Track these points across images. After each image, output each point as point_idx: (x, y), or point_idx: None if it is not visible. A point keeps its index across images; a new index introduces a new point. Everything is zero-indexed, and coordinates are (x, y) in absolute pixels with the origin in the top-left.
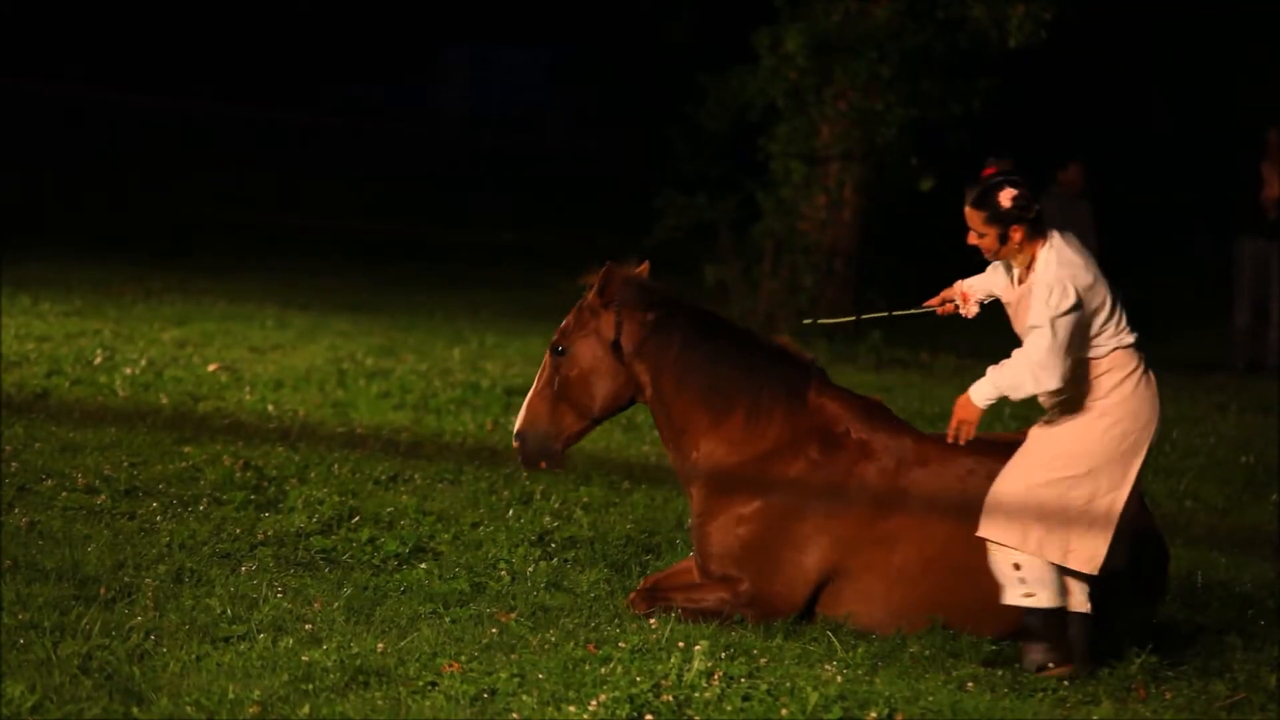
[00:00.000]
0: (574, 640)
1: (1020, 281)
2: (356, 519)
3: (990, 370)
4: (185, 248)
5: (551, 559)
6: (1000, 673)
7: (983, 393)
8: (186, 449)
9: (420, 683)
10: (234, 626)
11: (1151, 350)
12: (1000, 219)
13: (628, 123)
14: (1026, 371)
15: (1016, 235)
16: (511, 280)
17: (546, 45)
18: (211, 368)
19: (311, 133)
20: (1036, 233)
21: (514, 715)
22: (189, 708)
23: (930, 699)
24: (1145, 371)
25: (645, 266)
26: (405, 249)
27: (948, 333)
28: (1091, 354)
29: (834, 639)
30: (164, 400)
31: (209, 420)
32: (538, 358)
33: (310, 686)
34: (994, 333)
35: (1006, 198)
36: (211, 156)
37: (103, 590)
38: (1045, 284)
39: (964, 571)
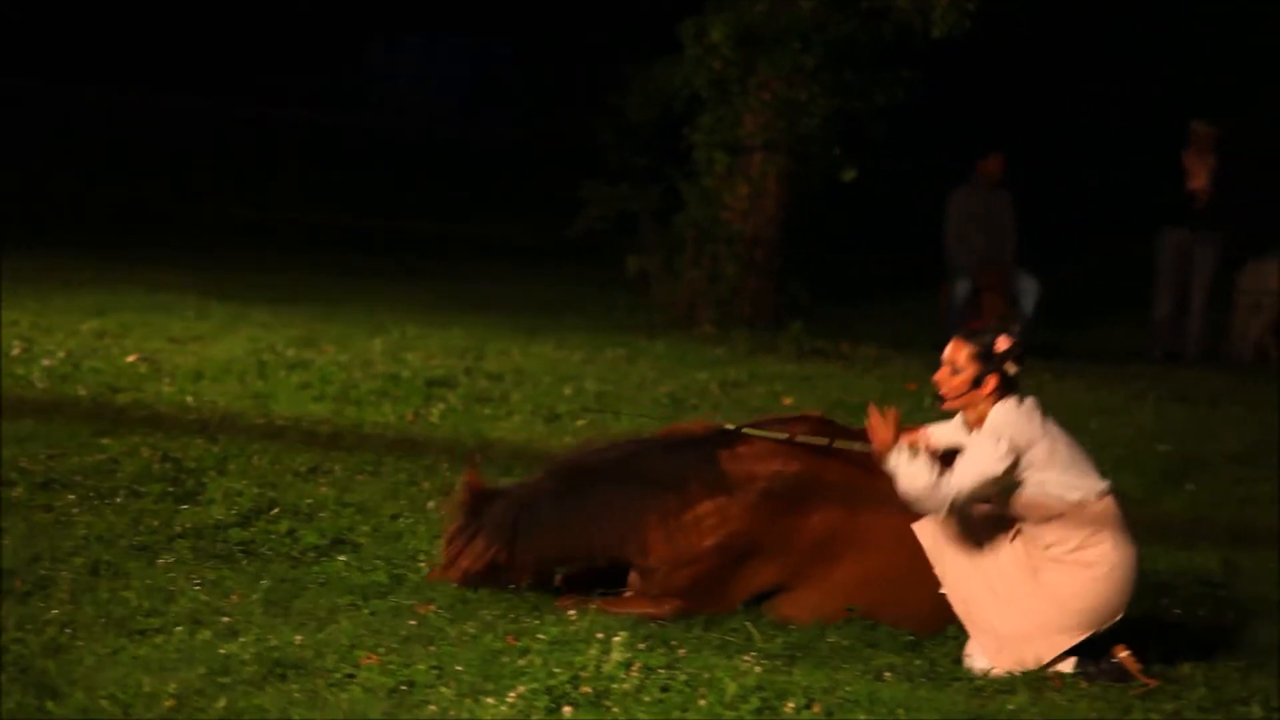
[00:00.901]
0: (493, 632)
1: (970, 432)
2: (275, 511)
3: (913, 464)
4: (106, 238)
5: None
6: (917, 662)
7: (892, 462)
8: (104, 441)
9: (338, 675)
10: (150, 619)
11: (1071, 339)
12: (988, 359)
13: (553, 113)
14: (930, 495)
15: (990, 383)
16: (434, 271)
17: (472, 36)
18: (130, 359)
19: (232, 122)
20: (1007, 392)
21: (431, 707)
22: (104, 701)
23: (848, 689)
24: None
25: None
26: (327, 239)
27: (869, 323)
28: (1060, 501)
29: (753, 630)
30: (82, 392)
31: (127, 412)
32: (458, 348)
33: (227, 679)
34: (917, 326)
35: (1004, 341)
36: (130, 145)
37: (18, 583)
38: (991, 428)
39: (899, 585)
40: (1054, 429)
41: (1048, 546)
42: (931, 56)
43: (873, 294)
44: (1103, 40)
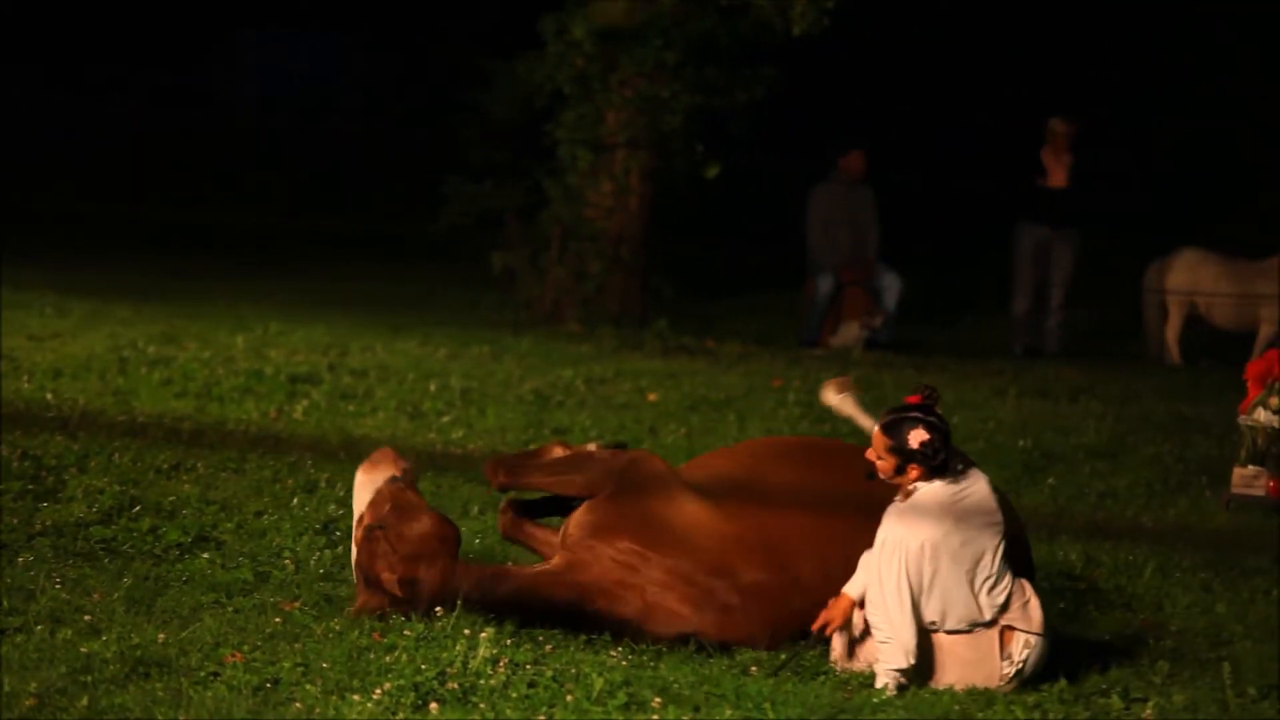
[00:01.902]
0: (358, 629)
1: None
2: (138, 508)
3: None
4: None
5: (336, 547)
6: (783, 657)
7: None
8: None
9: (202, 673)
10: (10, 619)
11: (933, 334)
12: (902, 454)
13: (415, 109)
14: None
15: (913, 473)
16: (297, 267)
17: (334, 31)
18: None
19: (96, 116)
20: (934, 475)
21: (297, 705)
22: None
23: (714, 684)
24: None
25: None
26: (189, 236)
27: (734, 320)
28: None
29: None
30: None
31: None
32: (322, 344)
33: (89, 678)
34: (781, 322)
35: (915, 439)
36: None
37: None
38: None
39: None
40: (957, 543)
41: None
42: (792, 53)
43: (737, 290)
44: (962, 37)
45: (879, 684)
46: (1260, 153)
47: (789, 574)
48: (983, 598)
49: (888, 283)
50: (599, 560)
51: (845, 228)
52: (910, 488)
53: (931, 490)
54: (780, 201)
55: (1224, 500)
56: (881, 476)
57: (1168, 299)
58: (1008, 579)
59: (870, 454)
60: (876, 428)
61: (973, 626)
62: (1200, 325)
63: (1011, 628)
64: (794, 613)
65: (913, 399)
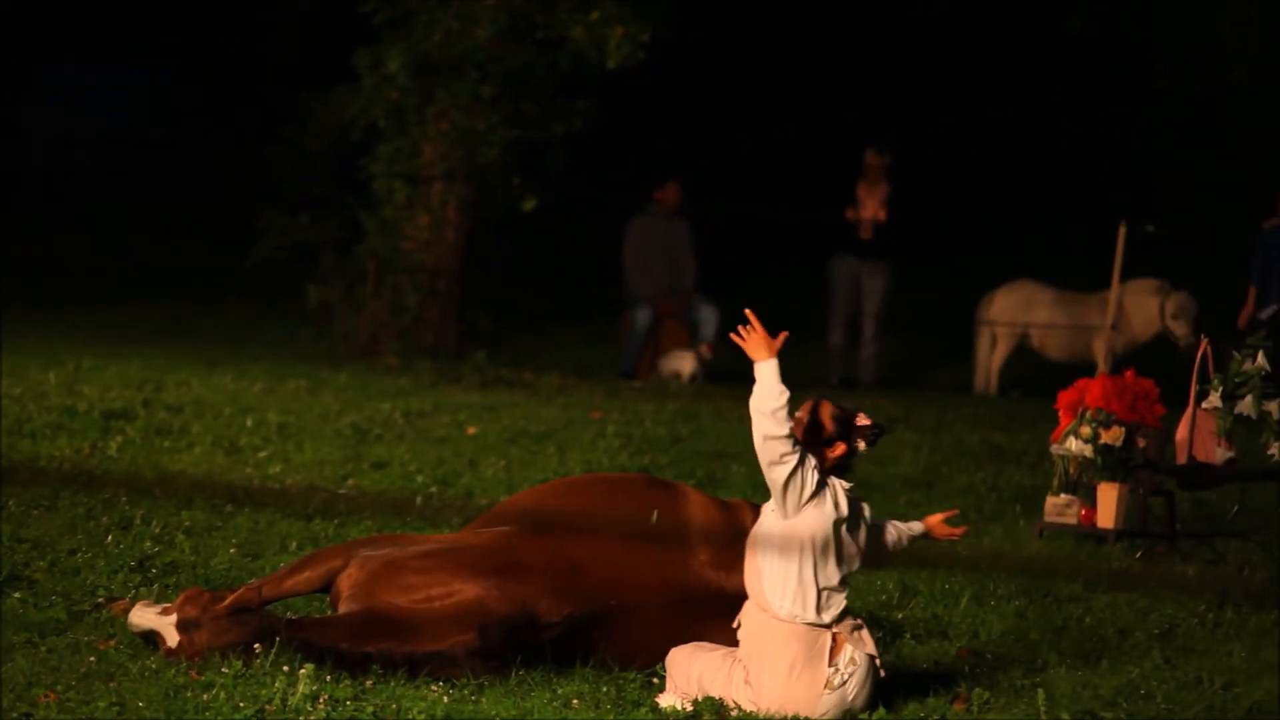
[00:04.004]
0: (175, 667)
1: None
2: None
3: (776, 384)
4: None
5: (152, 584)
6: (605, 689)
7: (764, 370)
8: None
9: (15, 714)
10: None
11: (751, 367)
12: (844, 426)
13: (228, 143)
14: (770, 418)
15: (838, 449)
16: (109, 302)
17: (145, 65)
18: None
19: None
20: (836, 471)
21: None
22: None
23: (536, 716)
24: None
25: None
26: None
27: (552, 352)
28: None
29: None
30: None
31: None
32: (136, 380)
33: None
34: (599, 354)
35: (862, 420)
36: None
37: None
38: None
39: None
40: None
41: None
42: (607, 87)
43: (555, 322)
44: (779, 69)
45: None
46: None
47: (561, 556)
48: (824, 602)
49: (705, 315)
50: (386, 590)
51: (662, 260)
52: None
53: (831, 486)
54: (597, 234)
55: (1037, 528)
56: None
57: (998, 330)
58: (847, 593)
59: (801, 414)
60: (824, 401)
61: (814, 625)
62: (1030, 357)
63: (840, 636)
64: (580, 588)
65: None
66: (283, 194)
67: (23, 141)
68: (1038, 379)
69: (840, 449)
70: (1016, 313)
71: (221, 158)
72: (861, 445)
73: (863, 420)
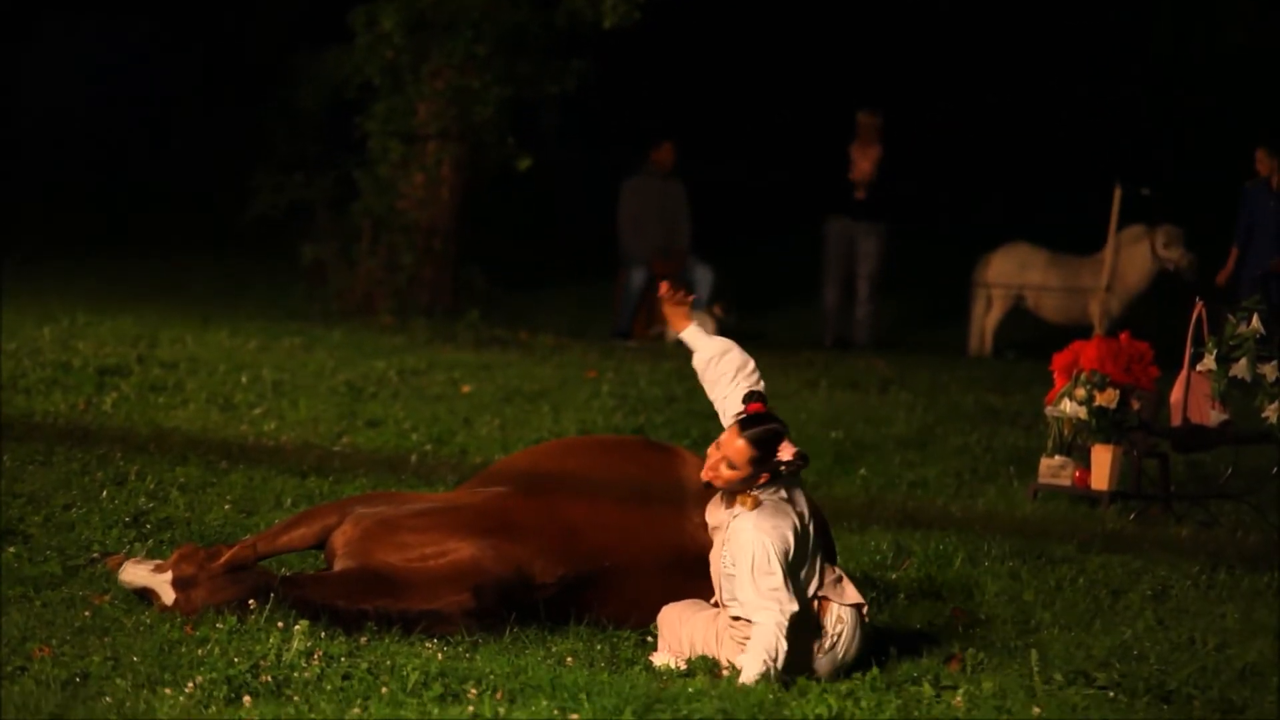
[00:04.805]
0: (169, 622)
1: (729, 508)
2: None
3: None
4: None
5: (147, 540)
6: (599, 647)
7: (688, 335)
8: None
9: (10, 668)
10: None
11: (745, 327)
12: (766, 466)
13: (223, 102)
14: (714, 362)
15: (763, 479)
16: (105, 259)
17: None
18: None
19: None
20: (775, 483)
21: (107, 699)
22: None
23: (530, 674)
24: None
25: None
26: None
27: (546, 311)
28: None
29: None
30: None
31: None
32: (131, 336)
33: None
34: (594, 314)
35: (787, 452)
36: None
37: None
38: (748, 550)
39: None
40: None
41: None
42: (603, 46)
43: (550, 282)
44: (773, 31)
45: (749, 674)
46: (1078, 147)
47: (558, 519)
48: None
49: (699, 276)
50: (381, 549)
51: (657, 220)
52: (756, 494)
53: (768, 509)
54: (592, 193)
55: (1031, 490)
56: (716, 483)
57: (993, 292)
58: (818, 562)
59: (713, 458)
60: (739, 438)
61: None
62: (1025, 318)
63: (825, 598)
64: (578, 550)
65: (754, 406)
66: (277, 153)
67: (14, 99)
68: (1033, 341)
69: (764, 478)
70: (1012, 275)
71: (216, 117)
72: (784, 470)
73: (788, 452)
